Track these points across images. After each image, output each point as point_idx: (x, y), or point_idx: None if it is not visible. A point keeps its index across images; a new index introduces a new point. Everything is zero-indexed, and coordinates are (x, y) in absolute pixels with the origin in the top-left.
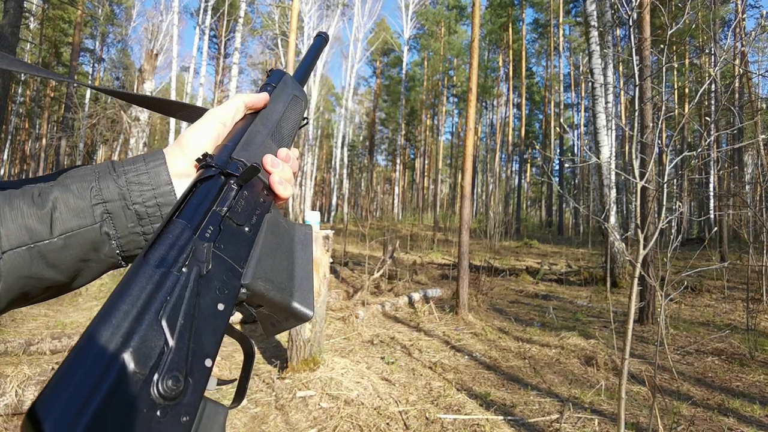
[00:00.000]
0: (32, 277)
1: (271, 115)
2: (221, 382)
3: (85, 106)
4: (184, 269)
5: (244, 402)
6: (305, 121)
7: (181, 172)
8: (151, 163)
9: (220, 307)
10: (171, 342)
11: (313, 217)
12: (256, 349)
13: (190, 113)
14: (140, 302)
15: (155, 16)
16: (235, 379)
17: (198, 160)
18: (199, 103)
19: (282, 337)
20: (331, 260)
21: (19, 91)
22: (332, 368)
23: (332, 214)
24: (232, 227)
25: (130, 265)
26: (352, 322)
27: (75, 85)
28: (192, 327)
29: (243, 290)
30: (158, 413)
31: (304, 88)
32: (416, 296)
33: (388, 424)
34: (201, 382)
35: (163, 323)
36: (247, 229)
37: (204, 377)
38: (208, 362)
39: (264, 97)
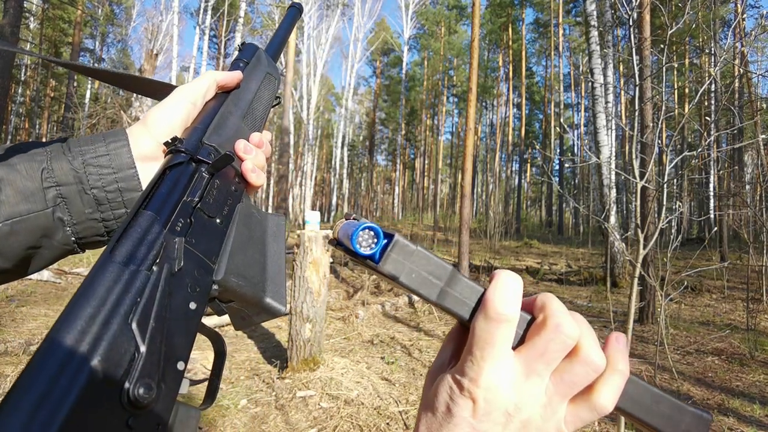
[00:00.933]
0: None
1: (243, 95)
2: (193, 383)
3: (85, 106)
4: (154, 267)
5: (244, 402)
6: (278, 101)
7: (146, 154)
8: (112, 143)
9: (192, 306)
10: (142, 347)
11: (313, 217)
12: (256, 348)
13: (158, 90)
14: (109, 304)
15: (155, 16)
16: (207, 379)
17: (166, 143)
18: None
19: (282, 337)
20: (331, 260)
21: (19, 91)
22: (332, 368)
23: (332, 214)
24: (203, 219)
25: (90, 253)
26: (352, 322)
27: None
28: (164, 329)
29: (215, 287)
30: (129, 422)
31: (279, 65)
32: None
33: (388, 424)
34: (173, 387)
35: (134, 327)
36: (218, 220)
37: (176, 381)
38: (180, 365)
39: (236, 75)
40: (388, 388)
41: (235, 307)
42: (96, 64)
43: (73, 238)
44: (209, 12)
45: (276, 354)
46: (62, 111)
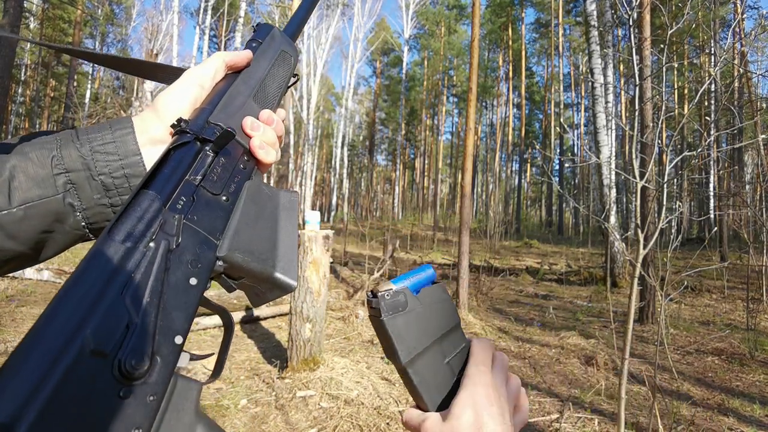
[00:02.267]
0: None
1: (254, 73)
2: (195, 357)
3: (85, 105)
4: (151, 244)
5: (244, 401)
6: (296, 78)
7: (156, 138)
8: (118, 131)
9: (193, 281)
10: (135, 320)
11: (313, 217)
12: (256, 348)
13: (167, 74)
14: (101, 280)
15: (155, 15)
16: (212, 353)
17: (173, 125)
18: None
19: (282, 337)
20: (331, 260)
21: (19, 91)
22: (332, 368)
23: (332, 213)
24: (206, 197)
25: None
26: (352, 322)
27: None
28: (160, 304)
29: (219, 263)
30: (121, 393)
31: (299, 44)
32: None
33: (388, 423)
34: (170, 360)
35: (127, 301)
36: (224, 198)
37: (173, 354)
38: (178, 339)
39: (246, 54)
40: (388, 388)
41: (247, 283)
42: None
43: (83, 223)
44: (209, 12)
45: (276, 354)
46: (62, 111)
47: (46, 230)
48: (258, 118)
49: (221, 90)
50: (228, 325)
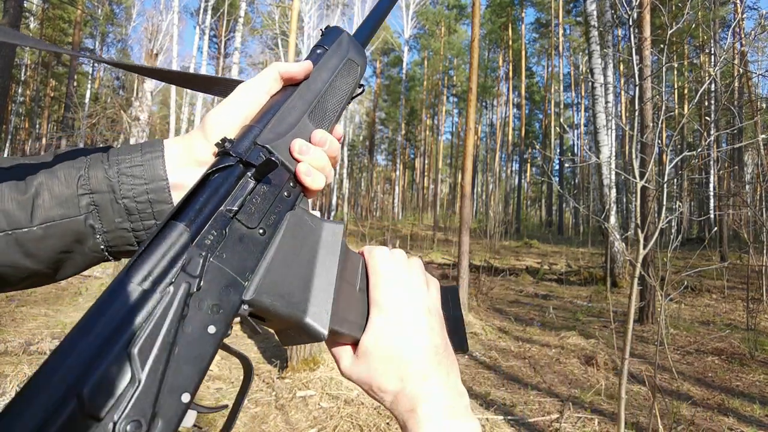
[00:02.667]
0: (8, 265)
1: (313, 86)
2: (203, 410)
3: (85, 105)
4: (170, 288)
5: (244, 401)
6: (361, 90)
7: (201, 159)
8: (147, 154)
9: (211, 329)
10: (139, 377)
11: None
12: (256, 348)
13: (222, 87)
14: (109, 328)
15: (155, 15)
16: (225, 406)
17: (217, 144)
18: (199, 104)
19: None
20: None
21: (19, 90)
22: (332, 368)
23: (332, 213)
24: (240, 231)
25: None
26: None
27: (91, 60)
28: (169, 357)
29: (245, 306)
30: None
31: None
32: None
33: (388, 423)
34: (173, 421)
35: (134, 354)
36: (260, 231)
37: (178, 414)
38: (185, 397)
39: (304, 66)
40: None
41: (275, 324)
42: (96, 64)
43: (102, 246)
44: (209, 12)
45: (276, 354)
46: (62, 111)
47: (65, 250)
48: (310, 139)
49: (274, 106)
50: (248, 373)
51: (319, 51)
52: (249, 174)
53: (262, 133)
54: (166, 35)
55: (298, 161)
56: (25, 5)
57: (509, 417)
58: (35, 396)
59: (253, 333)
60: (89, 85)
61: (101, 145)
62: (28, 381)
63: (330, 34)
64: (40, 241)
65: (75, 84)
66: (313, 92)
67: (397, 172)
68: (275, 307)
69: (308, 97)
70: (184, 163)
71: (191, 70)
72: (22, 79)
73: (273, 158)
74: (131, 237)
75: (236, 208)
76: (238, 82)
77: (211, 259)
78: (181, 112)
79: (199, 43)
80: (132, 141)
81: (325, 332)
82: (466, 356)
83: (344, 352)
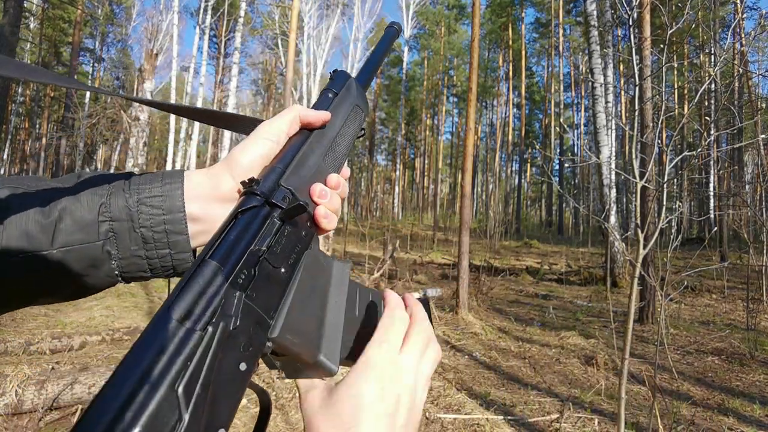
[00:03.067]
0: (24, 284)
1: (328, 132)
2: None
3: (85, 105)
4: (209, 327)
5: (244, 402)
6: (362, 133)
7: (224, 195)
8: (167, 185)
9: (243, 367)
10: (185, 416)
11: None
12: None
13: (245, 125)
14: (158, 368)
15: (155, 15)
16: None
17: (243, 183)
18: (199, 103)
19: None
20: None
21: (19, 90)
22: None
23: None
24: (267, 270)
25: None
26: None
27: (120, 98)
28: (208, 395)
29: (269, 344)
30: None
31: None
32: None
33: None
34: None
35: (180, 394)
36: (283, 270)
37: None
38: None
39: (324, 116)
40: None
41: (287, 360)
42: (97, 64)
43: (117, 272)
44: (209, 12)
45: None
46: (62, 111)
47: (80, 274)
48: (326, 183)
49: (294, 147)
50: (265, 408)
51: (330, 95)
52: (275, 215)
53: (284, 174)
54: (166, 35)
55: (317, 204)
56: (25, 5)
57: (509, 417)
58: (96, 426)
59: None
60: None
61: (102, 147)
62: (81, 418)
63: (338, 79)
64: (58, 264)
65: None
66: (328, 137)
67: (397, 172)
68: (294, 344)
69: (324, 142)
70: (206, 197)
71: (191, 70)
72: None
73: (301, 202)
74: (145, 264)
75: (265, 248)
76: (258, 120)
77: (244, 299)
78: None
79: (199, 43)
80: (132, 141)
81: (337, 369)
82: (466, 356)
83: (318, 384)
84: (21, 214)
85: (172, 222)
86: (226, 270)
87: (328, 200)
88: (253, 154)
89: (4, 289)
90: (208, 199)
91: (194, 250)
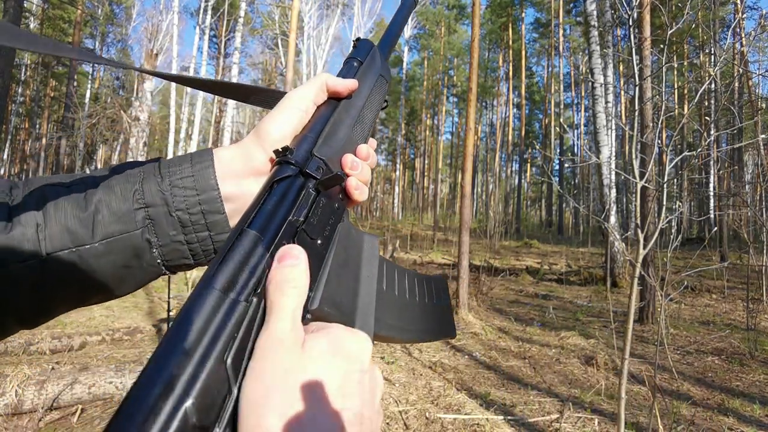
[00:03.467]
0: (75, 282)
1: (356, 101)
2: None
3: (85, 105)
4: (254, 297)
5: None
6: (385, 104)
7: (258, 168)
8: (197, 165)
9: None
10: (234, 389)
11: None
12: None
13: (267, 98)
14: (206, 339)
15: (155, 15)
16: None
17: (276, 152)
18: (198, 103)
19: None
20: None
21: (19, 90)
22: None
23: None
24: (306, 241)
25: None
26: None
27: (136, 72)
28: None
29: (308, 316)
30: None
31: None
32: None
33: (388, 423)
34: None
35: (228, 366)
36: (319, 242)
37: None
38: None
39: (352, 84)
40: (388, 388)
41: None
42: (97, 64)
43: (159, 260)
44: (209, 12)
45: None
46: (62, 111)
47: (126, 265)
48: (356, 154)
49: (323, 116)
50: None
51: (355, 64)
52: (310, 185)
53: (316, 144)
54: (166, 35)
55: (348, 176)
56: (25, 5)
57: (509, 417)
58: (146, 398)
59: None
60: (89, 85)
61: (102, 147)
62: (130, 390)
63: (362, 48)
64: (102, 256)
65: (75, 84)
66: (357, 107)
67: (397, 172)
68: (331, 316)
69: (353, 112)
70: (238, 173)
71: (191, 70)
72: (22, 79)
73: (338, 173)
74: (186, 250)
75: (302, 219)
76: (282, 93)
77: None
78: (181, 112)
79: (199, 43)
80: (132, 141)
81: (370, 343)
82: (466, 356)
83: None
84: (59, 210)
85: (208, 201)
86: (266, 240)
87: (360, 171)
88: (283, 124)
89: (57, 289)
90: (240, 175)
91: None
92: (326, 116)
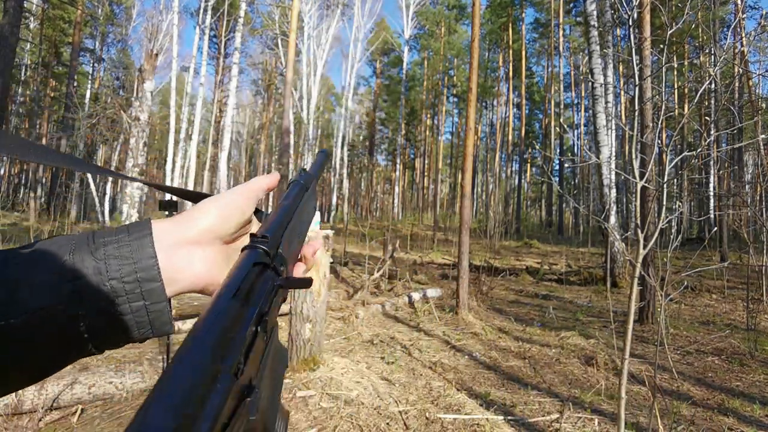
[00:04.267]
0: (8, 360)
1: (302, 215)
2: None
3: (85, 106)
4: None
5: None
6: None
7: (195, 239)
8: (135, 233)
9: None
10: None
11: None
12: None
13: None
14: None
15: (155, 15)
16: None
17: (255, 239)
18: (199, 103)
19: (282, 337)
20: (331, 260)
21: (19, 91)
22: (332, 368)
23: (332, 213)
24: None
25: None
26: (352, 322)
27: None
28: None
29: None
30: None
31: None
32: (416, 296)
33: (388, 423)
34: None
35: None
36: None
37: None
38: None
39: (275, 178)
40: (388, 388)
41: None
42: (97, 65)
43: (86, 335)
44: (209, 12)
45: None
46: (62, 111)
47: (50, 341)
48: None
49: (285, 213)
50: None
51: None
52: (278, 282)
53: (281, 245)
54: (166, 35)
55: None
56: (25, 5)
57: (509, 417)
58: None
59: None
60: (89, 85)
61: (102, 147)
62: (147, 400)
63: (307, 172)
64: (21, 331)
65: (75, 84)
66: (305, 223)
67: (397, 172)
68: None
69: (303, 226)
70: (174, 243)
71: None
72: (22, 79)
73: (310, 277)
74: (116, 322)
75: (267, 310)
76: (206, 195)
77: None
78: (181, 112)
79: (199, 43)
80: (132, 141)
81: None
82: (466, 356)
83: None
84: None
85: (145, 269)
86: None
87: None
88: (216, 217)
89: None
90: (175, 246)
91: (169, 300)
92: (288, 215)
